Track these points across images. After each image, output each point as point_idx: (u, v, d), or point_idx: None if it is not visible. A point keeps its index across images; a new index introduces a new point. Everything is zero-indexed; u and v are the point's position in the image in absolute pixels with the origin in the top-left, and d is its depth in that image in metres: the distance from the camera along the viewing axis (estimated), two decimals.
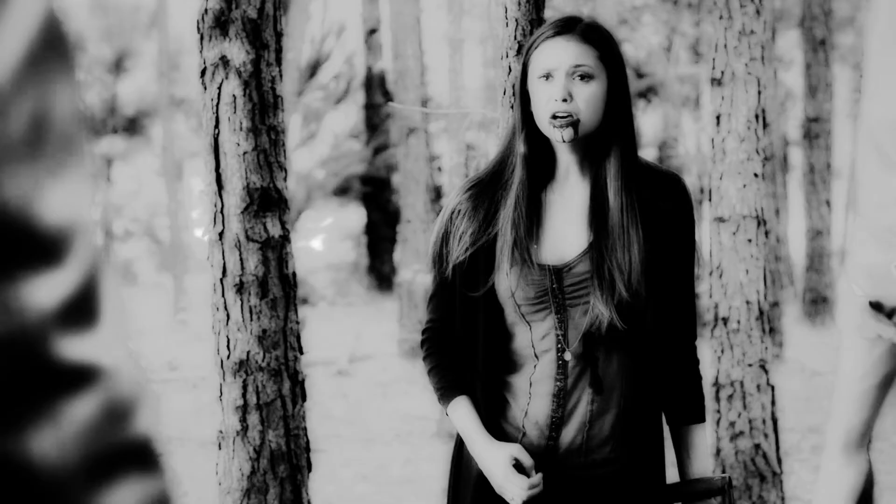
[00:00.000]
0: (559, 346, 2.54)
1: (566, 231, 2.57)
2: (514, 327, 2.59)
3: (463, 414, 2.61)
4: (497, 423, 2.61)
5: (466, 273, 2.59)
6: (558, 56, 2.47)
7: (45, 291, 0.63)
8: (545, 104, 2.47)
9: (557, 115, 2.45)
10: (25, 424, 0.63)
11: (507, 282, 2.53)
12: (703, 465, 2.63)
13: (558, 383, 2.54)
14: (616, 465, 2.57)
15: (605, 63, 2.49)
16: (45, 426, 0.63)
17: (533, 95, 2.51)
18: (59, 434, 0.64)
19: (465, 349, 2.64)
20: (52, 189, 0.63)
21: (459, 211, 2.61)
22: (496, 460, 2.52)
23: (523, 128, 2.55)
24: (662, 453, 2.65)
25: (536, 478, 2.50)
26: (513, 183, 2.55)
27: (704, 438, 2.65)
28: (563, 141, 2.47)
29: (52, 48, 0.65)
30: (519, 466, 2.52)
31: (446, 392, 2.64)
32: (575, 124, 2.45)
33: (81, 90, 0.67)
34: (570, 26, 2.50)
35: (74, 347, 0.65)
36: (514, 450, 2.52)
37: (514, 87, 2.61)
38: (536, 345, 2.56)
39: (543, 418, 2.56)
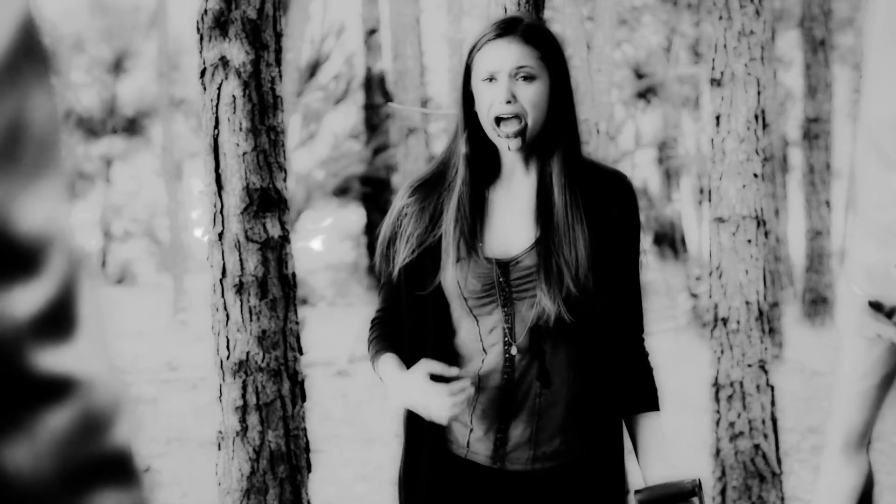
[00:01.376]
0: (506, 339, 2.55)
1: (512, 226, 2.59)
2: (461, 322, 2.61)
3: (387, 365, 2.63)
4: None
5: (413, 272, 2.62)
6: (501, 58, 2.49)
7: (21, 302, 0.62)
8: (489, 106, 2.50)
9: (502, 117, 2.48)
10: (0, 437, 0.62)
11: (453, 277, 2.55)
12: (660, 452, 2.61)
13: (505, 376, 2.55)
14: (567, 457, 2.58)
15: (546, 63, 2.52)
16: (20, 438, 0.62)
17: (477, 96, 2.54)
18: (35, 446, 0.63)
19: (412, 345, 2.65)
20: (28, 198, 0.62)
21: (406, 213, 2.64)
22: (412, 384, 2.51)
23: (465, 128, 2.59)
24: (621, 445, 2.65)
25: (459, 383, 2.47)
26: (455, 183, 2.58)
27: (659, 426, 2.63)
28: (510, 150, 2.52)
29: (29, 56, 0.64)
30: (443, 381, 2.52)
31: (378, 353, 2.68)
32: (522, 132, 2.49)
33: (58, 98, 0.66)
34: (511, 28, 2.52)
35: (51, 358, 0.64)
36: (428, 366, 2.51)
37: (457, 88, 2.63)
38: (484, 339, 2.57)
39: (492, 415, 2.57)
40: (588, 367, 2.57)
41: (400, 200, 2.67)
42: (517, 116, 2.48)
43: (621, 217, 2.60)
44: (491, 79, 2.50)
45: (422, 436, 2.66)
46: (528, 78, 2.49)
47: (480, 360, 2.58)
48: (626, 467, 2.68)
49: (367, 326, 2.79)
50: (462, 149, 2.58)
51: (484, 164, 2.61)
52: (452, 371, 2.51)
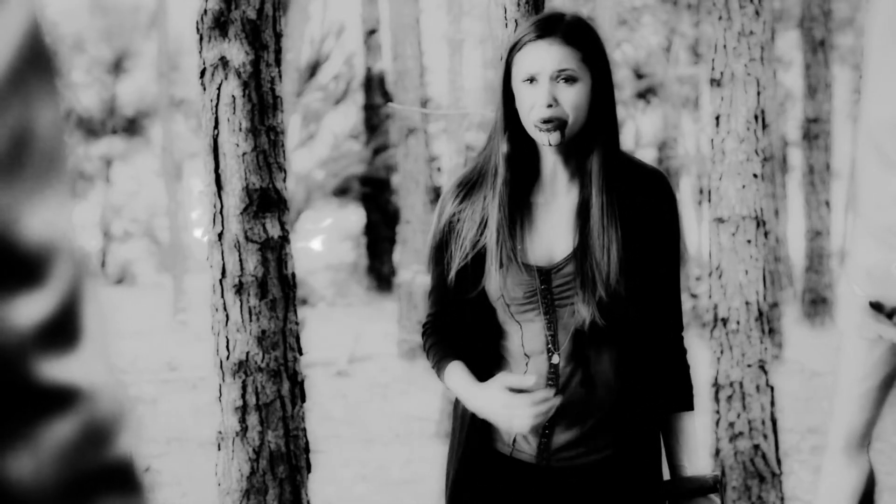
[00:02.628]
0: (549, 346, 2.55)
1: (555, 232, 2.57)
2: (506, 327, 2.61)
3: (457, 376, 2.60)
4: (491, 423, 2.62)
5: (460, 276, 2.60)
6: (542, 60, 2.45)
7: (25, 312, 0.62)
8: (530, 109, 2.47)
9: (543, 119, 2.44)
10: (2, 447, 0.62)
11: (496, 283, 2.54)
12: (692, 453, 2.63)
13: (550, 383, 2.55)
14: (609, 451, 2.59)
15: (588, 64, 2.48)
16: (23, 448, 0.62)
17: (518, 97, 2.50)
18: (37, 457, 0.62)
19: (463, 343, 2.67)
20: (33, 207, 0.62)
21: (457, 217, 2.61)
22: (491, 396, 2.49)
23: (506, 128, 2.55)
24: (658, 445, 2.66)
25: (541, 393, 2.46)
26: (497, 185, 2.55)
27: (693, 426, 2.65)
28: (550, 144, 2.47)
29: (34, 64, 0.63)
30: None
31: (442, 361, 2.65)
32: (562, 127, 2.46)
33: (64, 106, 0.65)
34: (552, 28, 2.47)
35: (54, 369, 0.63)
36: (504, 380, 2.48)
37: (497, 85, 2.60)
38: (527, 345, 2.57)
39: None
40: (631, 370, 2.57)
41: (449, 204, 2.64)
42: (558, 118, 2.45)
43: (659, 215, 2.58)
44: (531, 80, 2.46)
45: (469, 435, 2.67)
46: (570, 80, 2.45)
47: (525, 365, 2.58)
48: (661, 460, 2.69)
49: (420, 331, 2.76)
50: (503, 148, 2.54)
51: (525, 165, 2.58)
52: (529, 381, 2.47)
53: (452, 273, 2.60)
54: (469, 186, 2.63)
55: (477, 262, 2.59)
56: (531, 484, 2.63)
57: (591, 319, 2.48)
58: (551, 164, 2.57)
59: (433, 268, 2.69)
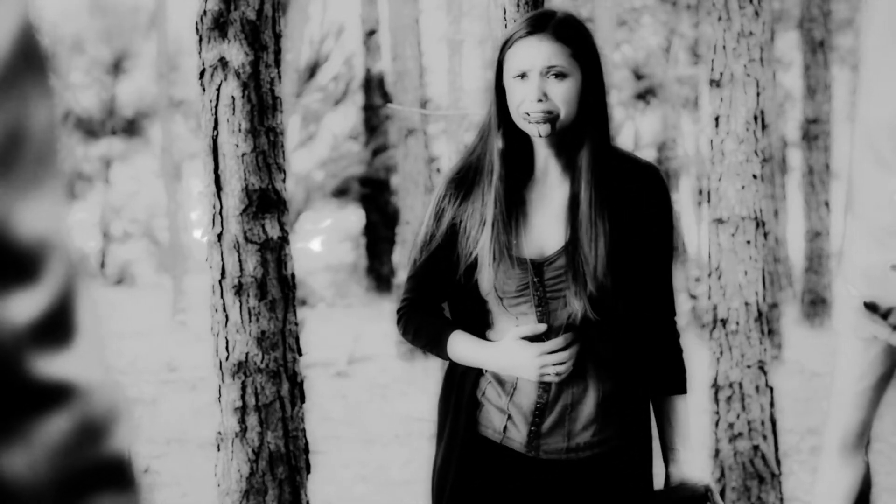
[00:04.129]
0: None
1: (547, 226, 2.61)
2: (499, 317, 2.65)
3: (465, 341, 2.63)
4: (480, 403, 2.68)
5: (446, 262, 2.64)
6: (532, 56, 2.49)
7: (19, 309, 0.62)
8: (520, 103, 2.51)
9: (533, 113, 2.48)
10: None
11: (489, 277, 2.57)
12: (685, 436, 2.68)
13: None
14: (600, 447, 2.63)
15: (578, 60, 2.52)
16: (18, 444, 0.62)
17: (509, 92, 2.55)
18: (32, 453, 0.63)
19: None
20: (27, 205, 0.62)
21: (462, 217, 2.64)
22: (513, 350, 2.55)
23: (500, 124, 2.59)
24: (650, 437, 2.70)
25: (562, 337, 2.55)
26: (492, 180, 2.59)
27: (686, 410, 2.70)
28: (540, 136, 2.52)
29: (28, 63, 0.64)
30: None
31: (441, 334, 2.67)
32: (553, 120, 2.50)
33: (57, 104, 0.66)
34: (543, 24, 2.52)
35: (49, 365, 0.64)
36: (518, 332, 2.56)
37: (490, 82, 2.63)
38: None
39: (528, 405, 2.63)
40: (621, 362, 2.62)
41: (449, 205, 2.66)
42: (548, 112, 2.48)
43: (651, 207, 2.62)
44: (522, 76, 2.50)
45: (457, 421, 2.70)
46: (560, 76, 2.50)
47: None
48: (653, 454, 2.73)
49: (396, 319, 2.77)
50: (497, 144, 2.58)
51: (518, 161, 2.61)
52: (542, 328, 2.55)
53: (461, 271, 2.63)
54: (466, 185, 2.65)
55: (464, 253, 2.62)
56: (520, 472, 2.66)
57: (582, 313, 2.52)
58: (543, 160, 2.61)
59: (420, 257, 2.71)
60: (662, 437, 2.70)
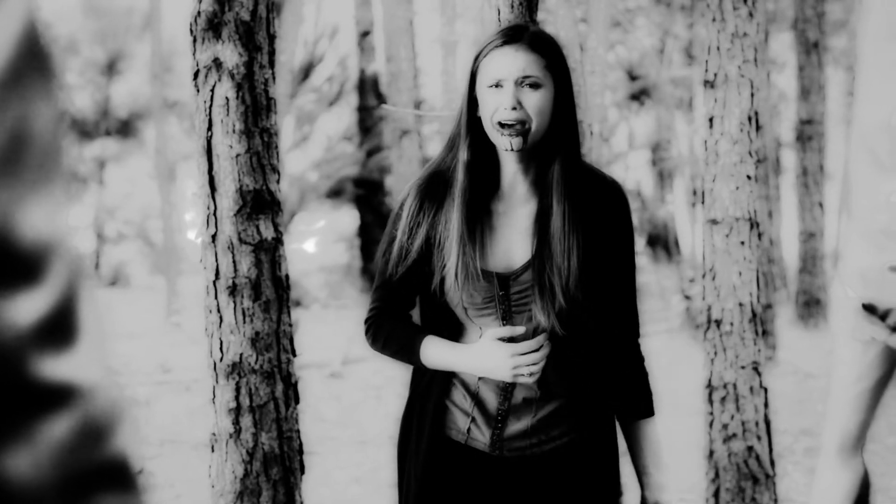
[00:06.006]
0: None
1: (513, 240, 2.63)
2: (465, 325, 2.69)
3: (439, 345, 2.65)
4: (447, 406, 2.71)
5: (417, 274, 2.66)
6: (508, 66, 2.51)
7: (22, 310, 0.62)
8: (493, 111, 2.52)
9: (506, 122, 2.49)
10: (0, 444, 0.62)
11: (454, 288, 2.59)
12: (656, 457, 2.71)
13: (503, 381, 2.62)
14: (561, 439, 2.67)
15: (551, 71, 2.54)
16: (20, 446, 0.62)
17: (482, 102, 2.56)
18: (35, 454, 0.63)
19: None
20: (30, 206, 0.62)
21: (436, 230, 2.64)
22: (489, 351, 2.57)
23: (468, 135, 2.60)
24: (614, 431, 2.74)
25: (537, 339, 2.58)
26: (456, 191, 2.60)
27: (655, 431, 2.73)
28: (512, 149, 2.52)
29: (32, 64, 0.64)
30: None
31: (413, 340, 2.68)
32: (525, 133, 2.51)
33: (62, 105, 0.65)
34: (518, 35, 2.54)
35: (52, 367, 0.64)
36: (493, 333, 2.58)
37: (462, 92, 2.64)
38: None
39: (491, 408, 2.67)
40: (585, 371, 2.65)
41: (424, 218, 2.67)
42: (521, 122, 2.49)
43: (616, 223, 2.65)
44: (497, 85, 2.52)
45: (422, 423, 2.73)
46: (534, 86, 2.51)
47: None
48: (618, 447, 2.76)
49: (365, 329, 2.79)
50: (463, 156, 2.59)
51: (484, 173, 2.62)
52: (519, 330, 2.58)
53: (435, 282, 2.64)
54: (438, 197, 2.65)
55: (428, 264, 2.65)
56: (485, 472, 2.70)
57: (549, 327, 2.55)
58: (511, 174, 2.62)
59: (385, 266, 2.72)
60: (635, 461, 2.74)
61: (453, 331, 2.69)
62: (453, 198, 2.60)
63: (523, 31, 2.55)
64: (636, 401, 2.70)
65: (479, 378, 2.65)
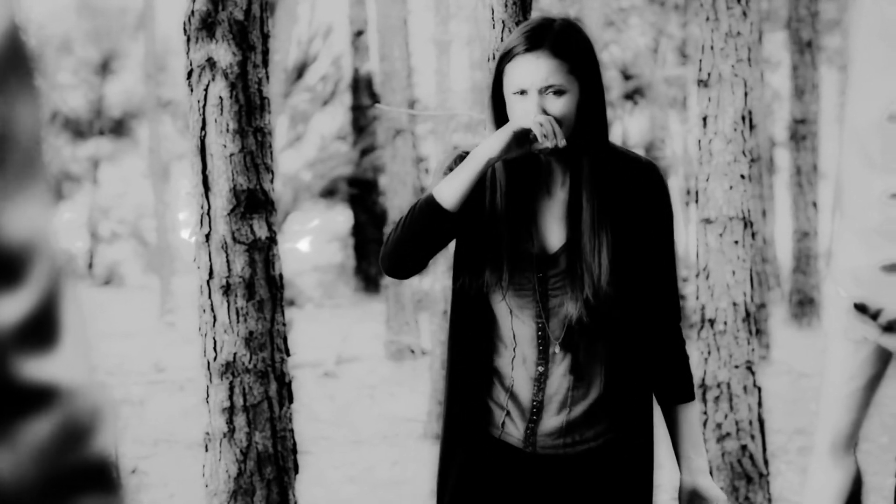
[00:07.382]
0: (540, 334, 2.62)
1: (550, 225, 2.63)
2: (500, 312, 2.67)
3: (446, 178, 2.54)
4: (483, 399, 2.70)
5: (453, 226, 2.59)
6: (531, 74, 2.50)
7: (4, 311, 0.62)
8: (521, 119, 2.51)
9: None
10: None
11: (494, 273, 2.60)
12: (697, 443, 2.70)
13: (539, 368, 2.63)
14: (595, 441, 2.66)
15: (577, 74, 2.52)
16: (2, 446, 0.62)
17: (509, 106, 2.56)
18: (16, 455, 0.62)
19: (454, 334, 2.71)
20: (12, 207, 0.62)
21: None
22: (497, 132, 2.52)
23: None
24: (651, 432, 2.71)
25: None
26: (498, 181, 2.60)
27: (694, 416, 2.71)
28: (539, 153, 2.53)
29: (14, 65, 0.63)
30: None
31: (420, 201, 2.56)
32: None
33: (43, 106, 0.65)
34: (541, 39, 2.50)
35: (34, 368, 0.63)
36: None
37: (487, 92, 2.63)
38: (518, 330, 2.64)
39: (525, 401, 2.66)
40: (622, 361, 2.65)
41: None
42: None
43: (652, 207, 2.64)
44: (522, 92, 2.51)
45: (459, 417, 2.72)
46: (559, 93, 2.50)
47: (513, 350, 2.66)
48: (654, 448, 2.75)
49: (380, 258, 2.63)
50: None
51: (521, 163, 2.62)
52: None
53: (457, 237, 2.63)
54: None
55: (470, 246, 2.64)
56: (518, 469, 2.69)
57: (577, 315, 2.55)
58: (546, 164, 2.64)
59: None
60: (675, 445, 2.72)
61: (486, 325, 2.68)
62: (499, 190, 2.60)
63: (546, 34, 2.51)
64: (679, 384, 2.69)
65: (513, 369, 2.64)
